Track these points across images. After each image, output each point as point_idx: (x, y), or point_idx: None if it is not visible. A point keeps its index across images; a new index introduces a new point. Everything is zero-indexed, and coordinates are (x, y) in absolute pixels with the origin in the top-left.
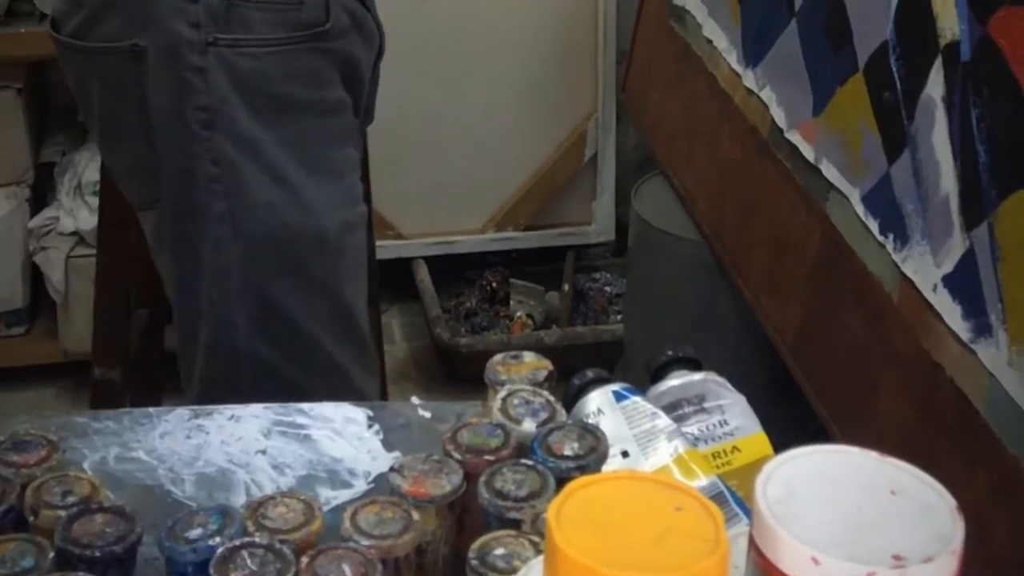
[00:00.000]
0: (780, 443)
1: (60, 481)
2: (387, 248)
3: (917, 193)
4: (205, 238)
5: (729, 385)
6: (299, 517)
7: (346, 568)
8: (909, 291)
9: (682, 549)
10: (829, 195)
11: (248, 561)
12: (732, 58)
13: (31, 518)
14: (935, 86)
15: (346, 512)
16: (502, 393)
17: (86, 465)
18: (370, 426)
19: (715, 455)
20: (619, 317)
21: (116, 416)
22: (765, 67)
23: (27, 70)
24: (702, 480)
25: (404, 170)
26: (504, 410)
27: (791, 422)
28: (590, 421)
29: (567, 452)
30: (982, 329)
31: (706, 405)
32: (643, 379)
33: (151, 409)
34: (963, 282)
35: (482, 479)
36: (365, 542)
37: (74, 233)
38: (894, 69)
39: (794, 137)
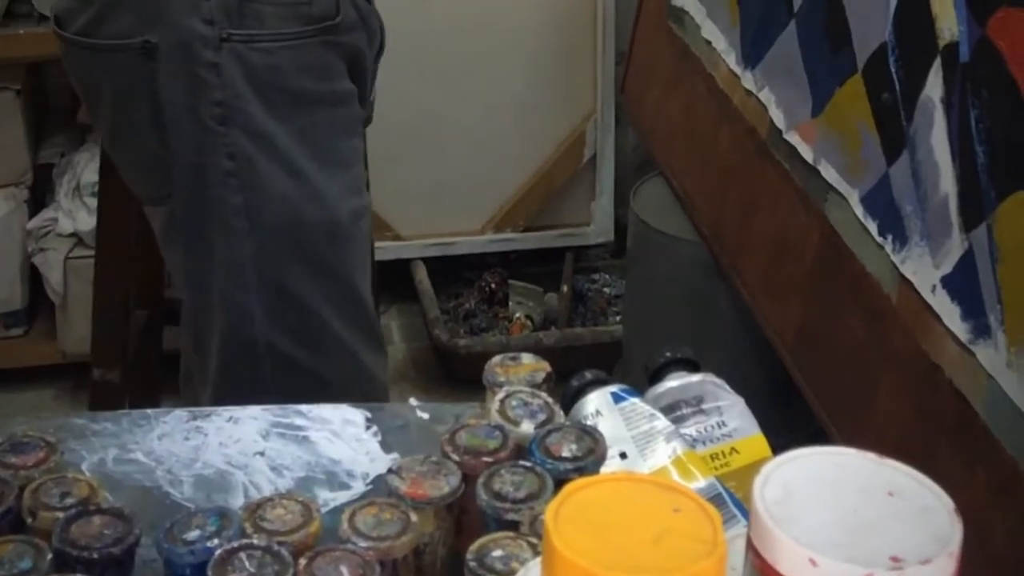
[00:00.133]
0: (778, 445)
1: (58, 483)
2: (386, 249)
3: (916, 194)
4: (220, 232)
5: (727, 386)
6: (297, 519)
7: (344, 570)
8: (908, 292)
9: (680, 551)
10: (828, 196)
11: (246, 563)
12: (731, 59)
13: (29, 520)
14: (934, 87)
15: (344, 514)
16: (500, 395)
17: (84, 467)
18: (368, 428)
19: (713, 456)
20: (618, 318)
21: (114, 418)
22: (764, 68)
23: (26, 71)
24: (700, 481)
25: (403, 171)
26: (502, 411)
27: (789, 423)
28: (588, 422)
29: (565, 453)
30: (981, 330)
31: (704, 406)
32: (641, 380)
33: (149, 411)
34: (962, 283)
35: (480, 480)
36: (363, 544)
37: (73, 234)
38: (893, 70)
39: (793, 138)
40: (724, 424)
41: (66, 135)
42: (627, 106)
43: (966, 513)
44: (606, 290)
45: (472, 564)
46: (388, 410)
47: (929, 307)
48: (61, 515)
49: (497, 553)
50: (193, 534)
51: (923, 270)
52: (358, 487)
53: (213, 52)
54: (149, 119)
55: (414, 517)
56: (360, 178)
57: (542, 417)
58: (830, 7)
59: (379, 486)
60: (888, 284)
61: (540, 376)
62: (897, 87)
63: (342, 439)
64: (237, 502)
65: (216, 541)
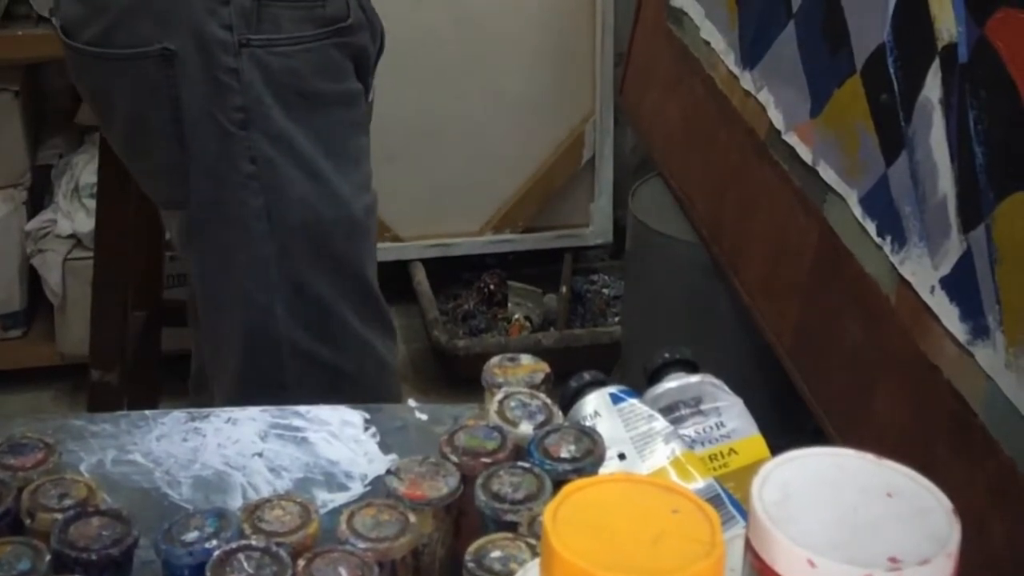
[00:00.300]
0: (777, 445)
1: (57, 484)
2: (384, 250)
3: (915, 195)
4: (240, 234)
5: (726, 387)
6: (296, 520)
7: (343, 571)
8: (907, 293)
9: (678, 552)
10: (827, 197)
11: (245, 564)
12: (730, 60)
13: (27, 521)
14: (933, 88)
15: (343, 515)
16: (499, 395)
17: (83, 468)
18: (367, 428)
19: (712, 457)
20: (617, 319)
21: (113, 419)
22: (763, 69)
23: (24, 72)
24: (699, 482)
25: (401, 172)
26: (501, 412)
27: (788, 424)
28: (587, 423)
29: (564, 454)
30: (980, 331)
31: (703, 407)
32: (640, 381)
33: (148, 412)
34: (961, 284)
35: (479, 481)
36: (362, 545)
37: (71, 236)
38: (892, 71)
39: (792, 139)
40: (723, 425)
41: (64, 136)
42: (626, 107)
43: (965, 514)
44: (605, 291)
45: (471, 565)
46: (386, 411)
47: (928, 308)
48: (59, 516)
49: (496, 554)
50: (191, 535)
51: (922, 271)
52: (356, 488)
53: (233, 57)
54: (167, 125)
55: (413, 518)
56: (369, 174)
57: (541, 418)
58: (829, 8)
59: (377, 487)
60: (887, 285)
61: (539, 377)
62: (896, 88)
63: (340, 440)
64: (235, 503)
65: (214, 542)
